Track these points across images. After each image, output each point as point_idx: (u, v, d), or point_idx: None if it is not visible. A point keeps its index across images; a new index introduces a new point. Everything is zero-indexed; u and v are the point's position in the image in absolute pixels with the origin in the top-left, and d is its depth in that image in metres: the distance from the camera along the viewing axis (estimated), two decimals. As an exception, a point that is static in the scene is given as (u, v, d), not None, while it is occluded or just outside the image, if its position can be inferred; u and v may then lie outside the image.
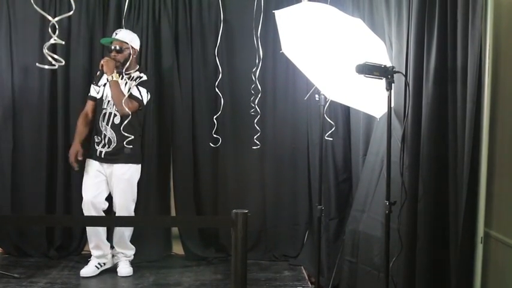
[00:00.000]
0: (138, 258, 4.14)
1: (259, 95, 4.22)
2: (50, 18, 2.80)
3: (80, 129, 4.04)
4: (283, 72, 4.42)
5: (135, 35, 4.10)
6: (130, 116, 3.82)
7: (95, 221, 3.32)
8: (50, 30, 3.00)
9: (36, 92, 4.38)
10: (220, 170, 4.52)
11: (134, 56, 4.03)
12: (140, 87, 3.95)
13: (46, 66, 3.38)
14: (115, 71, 3.90)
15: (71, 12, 2.97)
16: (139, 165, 4.08)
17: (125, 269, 4.01)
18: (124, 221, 3.31)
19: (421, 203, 2.86)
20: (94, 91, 4.08)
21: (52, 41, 2.90)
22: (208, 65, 4.44)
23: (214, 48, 4.33)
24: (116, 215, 3.93)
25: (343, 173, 4.25)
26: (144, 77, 3.99)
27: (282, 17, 3.44)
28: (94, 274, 3.96)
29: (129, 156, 3.94)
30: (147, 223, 3.54)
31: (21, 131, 4.39)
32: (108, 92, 3.96)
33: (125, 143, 3.84)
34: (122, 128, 3.83)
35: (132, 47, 4.00)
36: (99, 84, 4.05)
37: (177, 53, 4.41)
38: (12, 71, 4.36)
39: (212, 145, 4.29)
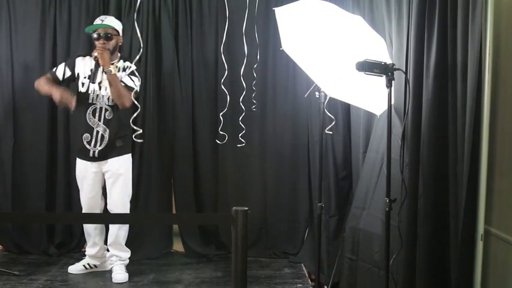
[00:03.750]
0: (138, 256, 4.14)
1: (244, 93, 4.23)
2: None
3: (47, 85, 3.76)
4: (284, 70, 4.42)
5: (120, 22, 3.93)
6: (139, 109, 3.70)
7: (94, 218, 3.32)
8: None
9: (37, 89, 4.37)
10: (221, 168, 4.52)
11: (120, 45, 3.86)
12: (132, 77, 3.76)
13: None
14: (111, 63, 3.69)
15: None
16: (130, 154, 3.92)
17: (119, 274, 3.81)
18: (124, 218, 3.30)
19: (421, 200, 2.86)
20: (66, 70, 3.82)
21: None
22: (209, 63, 4.43)
23: (214, 46, 4.33)
24: (111, 212, 3.82)
25: (343, 170, 4.25)
26: (133, 67, 3.77)
27: (282, 14, 3.44)
28: (79, 273, 3.95)
29: (121, 148, 3.80)
30: (148, 220, 3.54)
31: (22, 128, 4.39)
32: (96, 87, 3.74)
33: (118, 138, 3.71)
34: (118, 123, 3.72)
35: (119, 34, 3.83)
36: (84, 81, 3.77)
37: (177, 51, 4.40)
38: (12, 68, 4.35)
39: (218, 142, 4.28)
